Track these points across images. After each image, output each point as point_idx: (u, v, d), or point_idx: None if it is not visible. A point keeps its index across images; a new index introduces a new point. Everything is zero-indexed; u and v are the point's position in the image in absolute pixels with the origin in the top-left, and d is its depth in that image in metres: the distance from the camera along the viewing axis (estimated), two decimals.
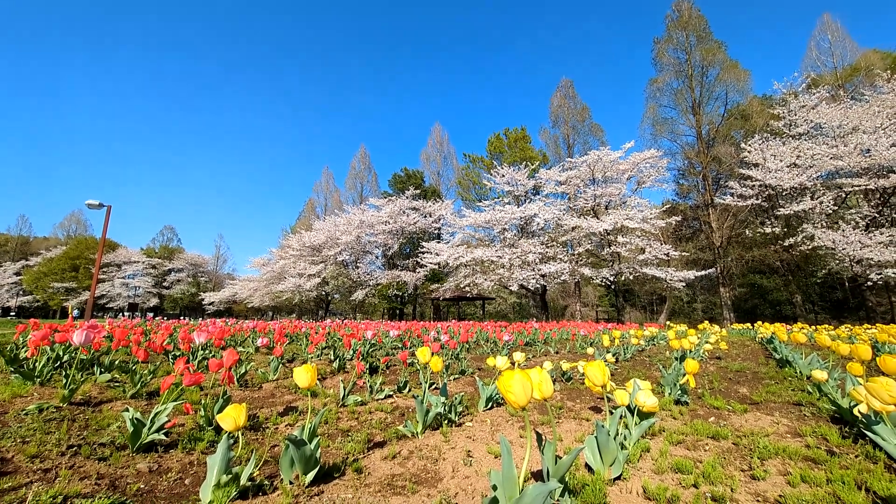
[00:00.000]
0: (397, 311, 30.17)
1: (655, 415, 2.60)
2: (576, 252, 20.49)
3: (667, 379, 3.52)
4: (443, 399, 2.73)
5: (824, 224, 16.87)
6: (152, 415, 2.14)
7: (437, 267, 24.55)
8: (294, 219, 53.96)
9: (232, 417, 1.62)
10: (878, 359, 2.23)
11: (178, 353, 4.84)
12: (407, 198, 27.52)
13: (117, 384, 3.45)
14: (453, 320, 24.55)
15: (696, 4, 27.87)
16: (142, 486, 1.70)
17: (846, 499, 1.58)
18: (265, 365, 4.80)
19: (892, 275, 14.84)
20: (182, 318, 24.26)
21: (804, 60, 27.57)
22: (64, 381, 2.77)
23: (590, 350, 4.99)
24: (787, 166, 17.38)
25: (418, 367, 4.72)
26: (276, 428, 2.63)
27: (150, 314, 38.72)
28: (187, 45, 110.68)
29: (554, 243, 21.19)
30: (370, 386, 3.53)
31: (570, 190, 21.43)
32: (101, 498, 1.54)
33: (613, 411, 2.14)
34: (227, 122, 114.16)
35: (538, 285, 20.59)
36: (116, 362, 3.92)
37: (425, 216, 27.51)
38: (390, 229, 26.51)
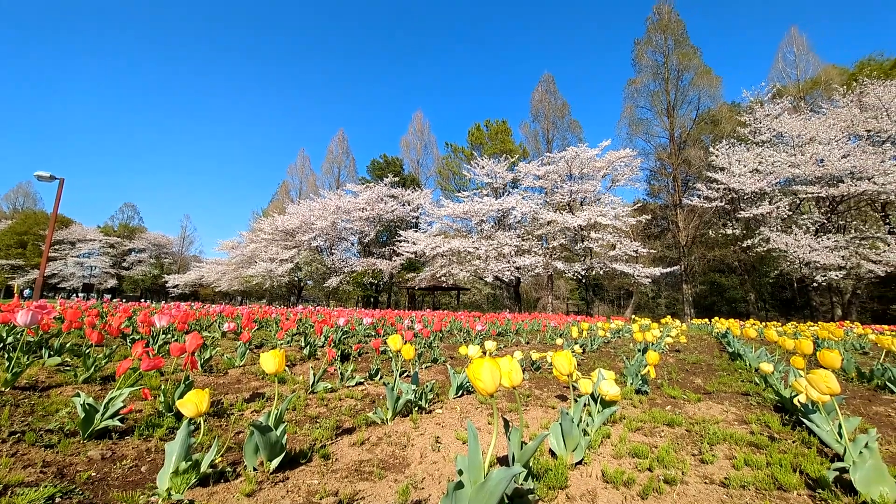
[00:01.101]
0: (372, 299, 29.93)
1: (617, 403, 2.72)
2: (550, 246, 20.94)
3: (629, 369, 3.68)
4: (414, 387, 2.74)
5: (779, 228, 18.00)
6: (106, 400, 2.04)
7: (413, 256, 24.49)
8: (266, 201, 52.26)
9: (193, 403, 1.57)
10: (818, 353, 2.42)
11: (136, 337, 4.61)
12: (385, 185, 27.12)
13: (68, 368, 3.25)
14: (428, 309, 24.67)
15: (676, 9, 28.61)
16: (93, 474, 1.62)
17: (782, 480, 1.72)
18: (232, 350, 4.66)
19: (835, 277, 16.07)
20: (143, 300, 23.02)
21: (772, 70, 28.98)
22: (7, 363, 2.58)
23: (559, 341, 5.14)
24: (750, 172, 18.33)
25: (391, 355, 4.72)
26: (242, 414, 2.56)
27: (108, 296, 36.58)
28: (158, 20, 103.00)
29: (530, 236, 21.56)
30: (341, 373, 3.50)
31: (548, 185, 21.78)
32: (46, 486, 1.46)
33: (578, 399, 2.22)
34: (195, 99, 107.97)
35: (513, 277, 20.96)
36: (68, 345, 3.69)
37: (403, 204, 27.25)
38: (367, 216, 26.11)
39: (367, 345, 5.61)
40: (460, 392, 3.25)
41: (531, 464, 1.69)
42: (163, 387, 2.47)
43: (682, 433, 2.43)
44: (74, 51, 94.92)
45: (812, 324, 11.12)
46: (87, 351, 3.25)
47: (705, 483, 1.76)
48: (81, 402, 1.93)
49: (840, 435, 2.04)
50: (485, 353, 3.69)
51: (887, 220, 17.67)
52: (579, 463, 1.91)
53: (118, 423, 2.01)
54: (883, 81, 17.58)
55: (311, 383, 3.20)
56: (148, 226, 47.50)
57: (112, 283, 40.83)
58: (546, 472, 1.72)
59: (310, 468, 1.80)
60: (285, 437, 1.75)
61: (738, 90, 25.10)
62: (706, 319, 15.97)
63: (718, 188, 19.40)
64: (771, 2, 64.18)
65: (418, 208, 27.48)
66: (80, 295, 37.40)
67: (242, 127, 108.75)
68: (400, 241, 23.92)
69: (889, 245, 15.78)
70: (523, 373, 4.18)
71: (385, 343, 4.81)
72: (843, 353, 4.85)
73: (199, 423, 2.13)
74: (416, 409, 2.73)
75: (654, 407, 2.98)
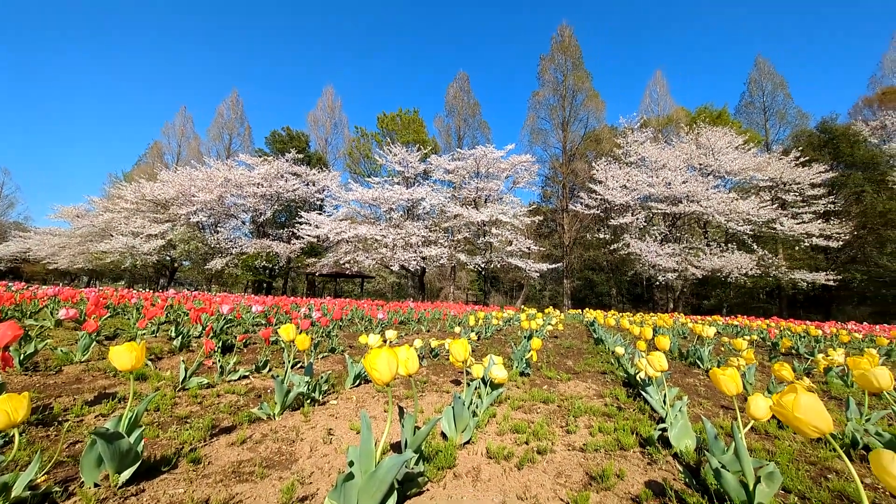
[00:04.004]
0: (265, 285, 27.22)
1: (504, 385, 2.99)
2: (455, 238, 21.81)
3: (516, 354, 4.08)
4: (307, 378, 2.60)
5: (637, 236, 21.78)
6: None
7: (315, 240, 23.00)
8: (130, 164, 43.28)
9: (3, 411, 1.23)
10: (655, 338, 3.02)
11: None
12: (287, 161, 24.73)
13: None
14: (329, 297, 23.50)
15: (576, 34, 32.02)
16: None
17: (624, 441, 2.11)
18: (71, 343, 3.78)
19: (671, 277, 20.19)
20: None
21: (641, 104, 34.64)
22: None
23: (457, 329, 5.42)
24: (620, 187, 21.74)
25: (283, 346, 4.38)
26: (81, 420, 2.10)
27: None
28: None
29: (437, 228, 22.10)
30: (221, 366, 3.13)
31: (457, 180, 22.55)
32: None
33: (470, 384, 2.38)
34: (29, 26, 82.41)
35: (418, 267, 21.27)
36: None
37: (308, 184, 25.23)
38: (264, 193, 23.49)
39: (255, 335, 5.11)
40: (358, 382, 3.19)
41: (423, 447, 1.76)
42: None
43: (554, 409, 2.79)
44: None
45: (654, 314, 13.85)
46: None
47: (569, 450, 2.06)
48: None
49: (664, 402, 2.58)
50: (385, 341, 3.69)
51: (706, 235, 22.85)
52: (468, 442, 2.06)
53: None
54: (711, 127, 22.51)
55: (181, 379, 2.79)
56: None
57: None
58: (437, 453, 1.81)
59: (174, 476, 1.57)
60: (142, 443, 1.50)
61: (617, 116, 29.56)
62: (580, 310, 18.60)
63: (596, 198, 22.57)
64: (645, 47, 76.59)
65: (324, 190, 25.78)
66: None
67: (100, 70, 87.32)
68: (301, 224, 22.19)
69: (706, 254, 20.43)
70: (422, 360, 4.29)
71: (276, 333, 4.44)
72: (671, 338, 6.14)
73: (13, 435, 1.68)
74: (309, 401, 2.59)
75: (534, 387, 3.36)
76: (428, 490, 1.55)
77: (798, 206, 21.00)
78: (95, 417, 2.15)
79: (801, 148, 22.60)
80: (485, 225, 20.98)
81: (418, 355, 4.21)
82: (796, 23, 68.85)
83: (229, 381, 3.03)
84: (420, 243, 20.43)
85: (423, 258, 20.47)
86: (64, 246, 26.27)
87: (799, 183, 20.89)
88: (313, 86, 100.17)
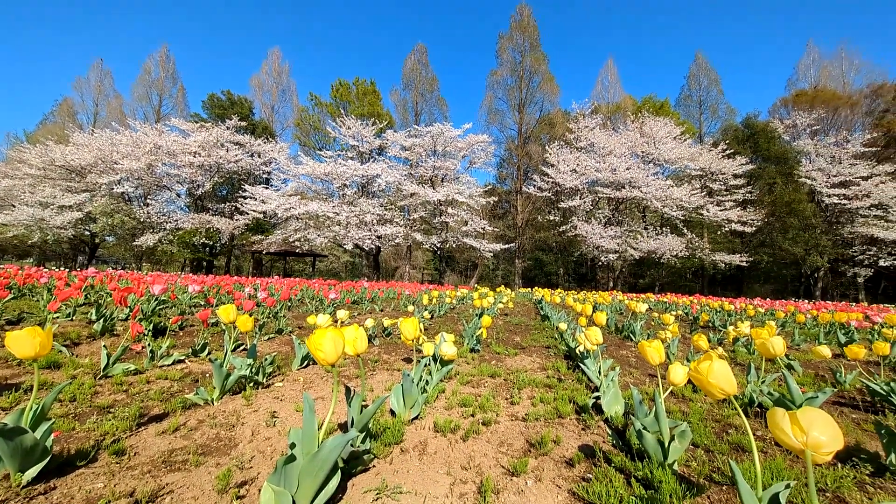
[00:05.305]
0: (205, 264, 25.28)
1: (454, 362, 3.07)
2: (411, 217, 21.58)
3: (467, 332, 4.19)
4: (249, 361, 2.48)
5: (584, 218, 22.96)
6: None
7: (262, 216, 21.65)
8: (34, 122, 37.35)
9: None
10: (594, 315, 3.24)
11: None
12: (228, 129, 22.64)
13: None
14: (277, 277, 22.41)
15: (535, 15, 32.00)
16: None
17: (562, 410, 2.27)
18: None
19: (612, 258, 21.67)
20: None
21: (593, 90, 35.82)
22: None
23: (411, 308, 5.44)
24: (570, 171, 22.61)
25: (224, 328, 4.14)
26: None
27: None
28: None
29: (392, 206, 21.70)
30: (152, 350, 2.89)
31: (413, 157, 22.12)
32: None
33: (420, 361, 2.41)
34: None
35: (373, 246, 20.87)
36: None
37: (252, 155, 23.39)
38: (201, 163, 21.43)
39: (192, 317, 4.77)
40: (305, 363, 3.11)
41: (371, 425, 1.77)
42: None
43: (500, 382, 2.92)
44: None
45: (595, 292, 14.87)
46: None
47: (512, 420, 2.17)
48: None
49: (599, 373, 2.80)
50: (336, 321, 3.61)
51: (645, 219, 24.66)
52: (416, 418, 2.10)
53: None
54: (654, 117, 23.94)
55: (103, 365, 2.54)
56: None
57: None
58: (385, 430, 1.83)
59: (93, 470, 1.44)
60: (51, 437, 1.35)
61: (570, 101, 30.40)
62: (530, 289, 19.46)
63: (548, 181, 23.33)
64: (598, 35, 78.73)
65: (271, 162, 24.05)
66: None
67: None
68: (245, 198, 20.68)
69: (644, 237, 22.12)
70: (375, 339, 4.27)
71: (216, 314, 4.17)
72: (609, 314, 6.63)
73: None
74: (251, 384, 2.48)
75: (483, 362, 3.49)
76: (374, 466, 1.57)
77: (722, 194, 23.26)
78: None
79: (727, 141, 24.81)
80: (441, 204, 20.94)
81: (371, 335, 4.19)
82: (735, 23, 74.39)
83: (161, 367, 2.82)
84: (375, 221, 19.99)
85: (378, 237, 20.10)
86: None
87: (724, 173, 23.06)
88: (257, 50, 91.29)
